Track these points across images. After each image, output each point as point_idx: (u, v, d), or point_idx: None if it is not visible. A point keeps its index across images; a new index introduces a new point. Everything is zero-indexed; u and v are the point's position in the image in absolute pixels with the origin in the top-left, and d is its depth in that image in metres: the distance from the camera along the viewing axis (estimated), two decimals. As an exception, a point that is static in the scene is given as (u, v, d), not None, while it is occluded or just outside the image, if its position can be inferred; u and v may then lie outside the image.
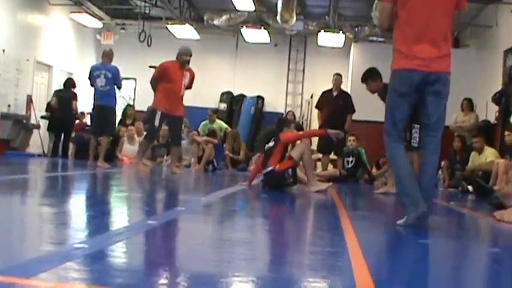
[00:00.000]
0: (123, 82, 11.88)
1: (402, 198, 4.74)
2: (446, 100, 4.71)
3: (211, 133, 13.57)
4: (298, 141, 8.60)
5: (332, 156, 12.77)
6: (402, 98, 4.64)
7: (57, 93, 14.61)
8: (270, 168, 8.01)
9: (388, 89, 4.81)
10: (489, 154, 10.86)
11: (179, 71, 10.12)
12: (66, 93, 14.32)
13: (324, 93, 12.69)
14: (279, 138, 8.23)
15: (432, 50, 4.56)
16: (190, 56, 10.23)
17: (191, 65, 10.41)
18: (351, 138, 12.24)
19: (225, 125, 15.54)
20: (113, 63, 11.36)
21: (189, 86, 10.35)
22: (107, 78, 11.04)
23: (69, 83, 14.58)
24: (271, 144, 8.31)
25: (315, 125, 14.41)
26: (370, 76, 8.83)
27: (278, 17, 15.50)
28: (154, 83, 10.32)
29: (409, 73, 4.59)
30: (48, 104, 14.88)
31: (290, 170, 8.08)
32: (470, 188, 10.51)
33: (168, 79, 10.08)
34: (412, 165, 9.25)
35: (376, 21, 12.40)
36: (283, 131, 8.40)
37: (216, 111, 16.33)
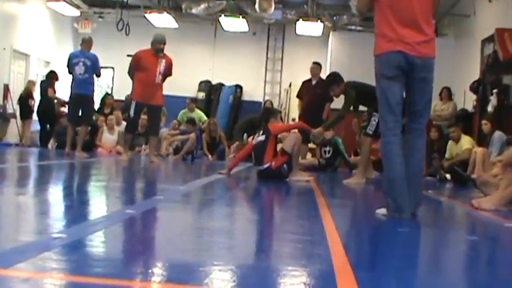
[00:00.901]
0: (101, 71, 11.78)
1: (387, 199, 4.47)
2: (432, 84, 4.60)
3: (190, 121, 13.54)
4: (288, 133, 8.59)
5: (311, 145, 12.77)
6: (392, 80, 4.47)
7: (40, 85, 14.58)
8: (266, 166, 7.94)
9: (376, 76, 4.60)
10: (465, 142, 10.92)
11: (153, 59, 10.07)
12: (45, 83, 14.28)
13: (304, 82, 12.66)
14: (269, 131, 8.16)
15: (417, 35, 4.46)
16: (164, 44, 10.18)
17: (169, 54, 10.37)
18: None
19: (205, 117, 15.37)
20: (92, 52, 11.27)
21: (168, 74, 10.29)
22: (86, 66, 10.93)
23: (51, 75, 14.52)
24: (261, 138, 8.21)
25: (295, 114, 14.40)
26: (334, 82, 8.78)
27: (256, 6, 15.48)
28: (132, 73, 10.32)
29: (395, 55, 4.44)
30: (21, 96, 14.77)
31: (285, 165, 8.03)
32: (448, 176, 10.57)
33: (143, 68, 10.06)
34: (360, 147, 9.36)
35: (355, 9, 12.38)
36: (270, 121, 8.35)
37: (194, 100, 16.26)
